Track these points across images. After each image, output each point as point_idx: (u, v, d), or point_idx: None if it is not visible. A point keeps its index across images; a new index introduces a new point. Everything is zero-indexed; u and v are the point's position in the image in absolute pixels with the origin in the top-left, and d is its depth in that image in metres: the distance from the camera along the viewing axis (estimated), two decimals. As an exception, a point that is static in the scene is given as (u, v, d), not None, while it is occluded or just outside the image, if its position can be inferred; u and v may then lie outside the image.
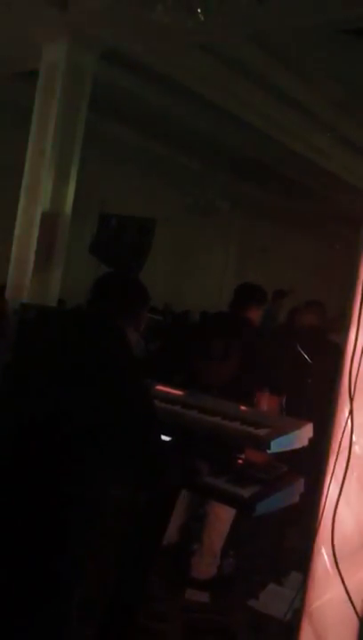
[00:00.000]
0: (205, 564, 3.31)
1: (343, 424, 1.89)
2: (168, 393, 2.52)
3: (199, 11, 3.61)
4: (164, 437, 2.14)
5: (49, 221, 5.92)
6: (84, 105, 6.09)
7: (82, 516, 1.78)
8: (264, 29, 5.53)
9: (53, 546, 1.72)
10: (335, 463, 1.92)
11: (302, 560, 2.07)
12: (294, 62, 6.78)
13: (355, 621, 1.87)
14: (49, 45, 5.99)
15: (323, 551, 1.97)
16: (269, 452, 2.08)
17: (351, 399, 1.86)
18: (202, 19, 3.65)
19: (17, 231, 6.06)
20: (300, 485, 2.22)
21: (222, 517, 3.30)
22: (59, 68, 5.91)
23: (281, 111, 7.78)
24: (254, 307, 3.72)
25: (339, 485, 1.90)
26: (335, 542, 1.89)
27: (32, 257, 5.83)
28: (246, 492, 2.04)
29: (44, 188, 5.89)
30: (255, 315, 3.73)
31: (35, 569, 1.69)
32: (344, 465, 1.89)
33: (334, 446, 1.93)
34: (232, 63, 6.72)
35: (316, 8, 4.67)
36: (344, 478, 1.88)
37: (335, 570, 1.89)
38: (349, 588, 1.87)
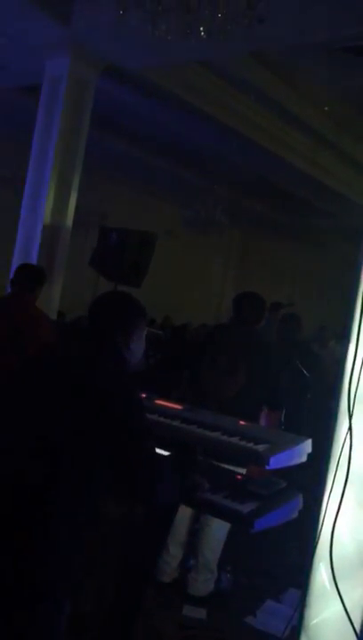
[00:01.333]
0: (202, 581, 3.28)
1: (342, 440, 1.90)
2: (168, 407, 2.52)
3: (201, 29, 3.66)
4: (163, 452, 2.14)
5: (50, 234, 5.96)
6: (86, 119, 6.15)
7: (72, 530, 1.78)
8: (265, 47, 5.61)
9: (42, 557, 1.72)
10: (334, 479, 1.92)
11: (300, 577, 2.07)
12: (294, 79, 6.86)
13: (353, 639, 1.86)
14: (52, 60, 6.05)
15: (321, 568, 1.96)
16: (267, 467, 2.08)
17: (350, 415, 1.87)
18: (204, 37, 3.70)
19: (18, 243, 6.10)
20: (299, 501, 2.22)
21: (216, 532, 3.27)
22: (61, 83, 5.97)
23: (281, 127, 7.86)
24: (261, 318, 3.67)
25: (337, 502, 1.90)
26: (334, 559, 1.88)
27: (32, 269, 5.86)
28: (244, 508, 2.04)
29: (45, 201, 5.93)
30: (258, 326, 3.68)
31: (23, 579, 1.70)
32: (343, 481, 1.89)
33: (333, 462, 1.93)
34: (233, 79, 6.80)
35: (315, 27, 4.74)
36: (343, 495, 1.89)
37: (334, 587, 1.89)
38: (347, 604, 1.87)
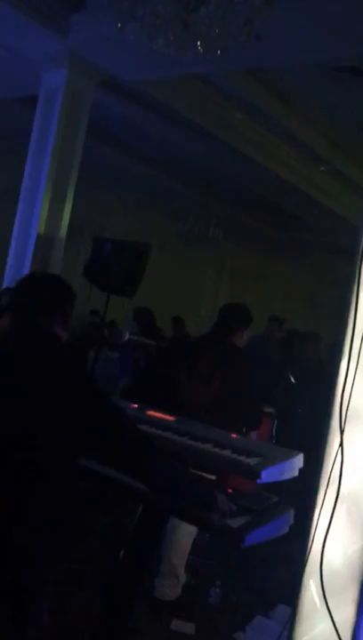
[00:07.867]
0: (168, 586, 3.28)
1: (334, 456, 1.89)
2: (159, 418, 2.50)
3: (199, 44, 3.70)
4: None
5: (43, 244, 5.95)
6: (82, 131, 6.18)
7: (52, 507, 1.73)
8: (261, 64, 5.67)
9: (19, 543, 1.67)
10: (325, 495, 1.91)
11: (290, 593, 2.05)
12: (290, 96, 6.93)
13: (343, 657, 1.84)
14: (49, 72, 6.09)
15: (311, 584, 1.95)
16: (259, 481, 2.06)
17: (342, 431, 1.87)
18: (201, 52, 3.73)
19: (11, 253, 6.09)
20: (290, 516, 2.20)
21: (182, 538, 3.26)
22: (58, 95, 6.01)
23: (275, 143, 7.93)
24: (243, 330, 3.64)
25: (328, 518, 1.89)
26: (324, 575, 1.87)
27: (25, 279, 5.85)
28: (234, 523, 2.01)
29: (39, 212, 5.93)
30: (242, 338, 3.64)
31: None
32: (334, 497, 1.88)
33: (324, 478, 1.93)
34: (229, 95, 6.86)
35: (312, 47, 4.80)
36: (334, 511, 1.88)
37: (324, 604, 1.87)
38: (337, 621, 1.85)
